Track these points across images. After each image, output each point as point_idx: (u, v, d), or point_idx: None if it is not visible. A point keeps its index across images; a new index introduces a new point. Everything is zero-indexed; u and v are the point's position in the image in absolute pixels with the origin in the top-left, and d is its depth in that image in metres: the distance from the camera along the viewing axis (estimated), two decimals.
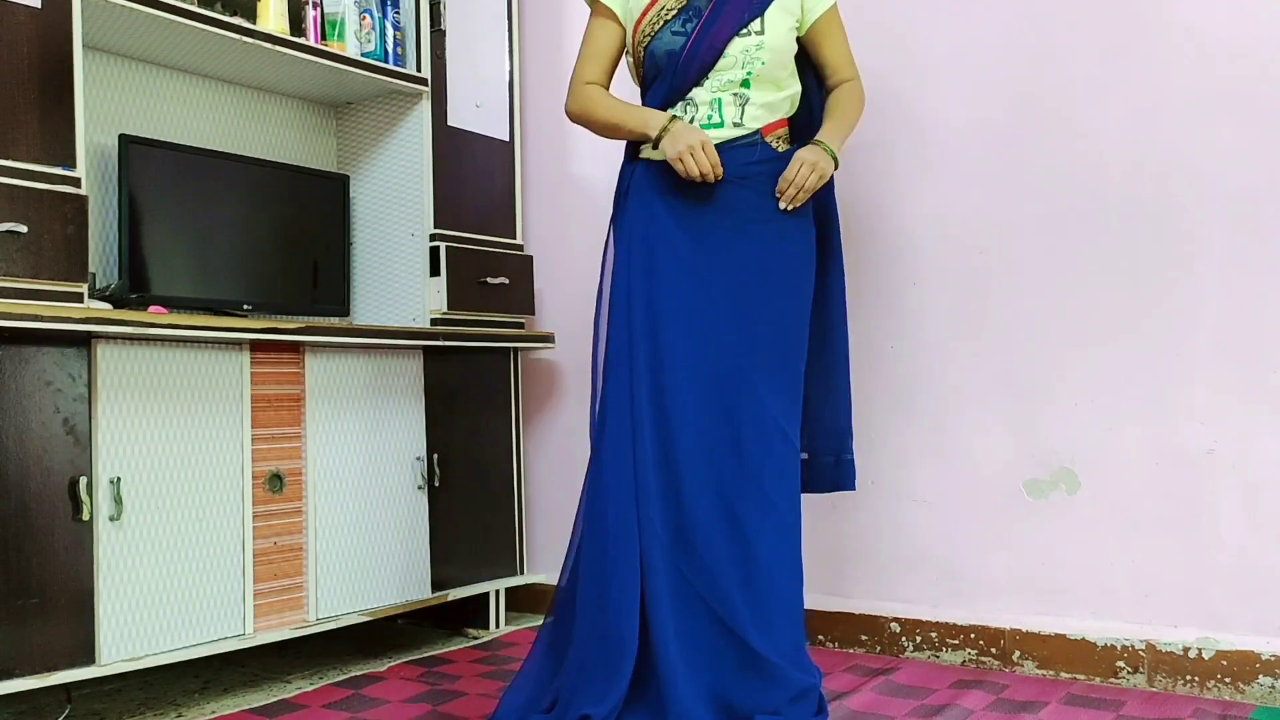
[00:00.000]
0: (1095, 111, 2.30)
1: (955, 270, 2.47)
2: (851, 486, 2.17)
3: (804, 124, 2.11)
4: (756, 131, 2.00)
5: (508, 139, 2.98)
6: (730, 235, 1.98)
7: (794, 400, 2.01)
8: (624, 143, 2.11)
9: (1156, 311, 2.23)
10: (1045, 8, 2.36)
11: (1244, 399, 2.14)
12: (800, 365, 2.03)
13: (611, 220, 2.10)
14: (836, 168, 2.02)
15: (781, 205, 1.99)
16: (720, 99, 1.99)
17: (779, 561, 1.91)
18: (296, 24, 2.59)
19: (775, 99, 2.02)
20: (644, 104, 2.05)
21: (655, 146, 1.97)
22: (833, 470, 2.16)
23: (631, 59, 2.09)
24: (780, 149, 2.03)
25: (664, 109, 2.01)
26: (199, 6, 2.35)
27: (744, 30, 1.97)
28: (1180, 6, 2.21)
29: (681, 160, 1.91)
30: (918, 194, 2.51)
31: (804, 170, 1.96)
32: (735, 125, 1.99)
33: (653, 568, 1.88)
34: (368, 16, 2.68)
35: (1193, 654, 2.15)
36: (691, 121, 1.99)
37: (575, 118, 2.11)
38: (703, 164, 1.91)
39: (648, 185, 2.03)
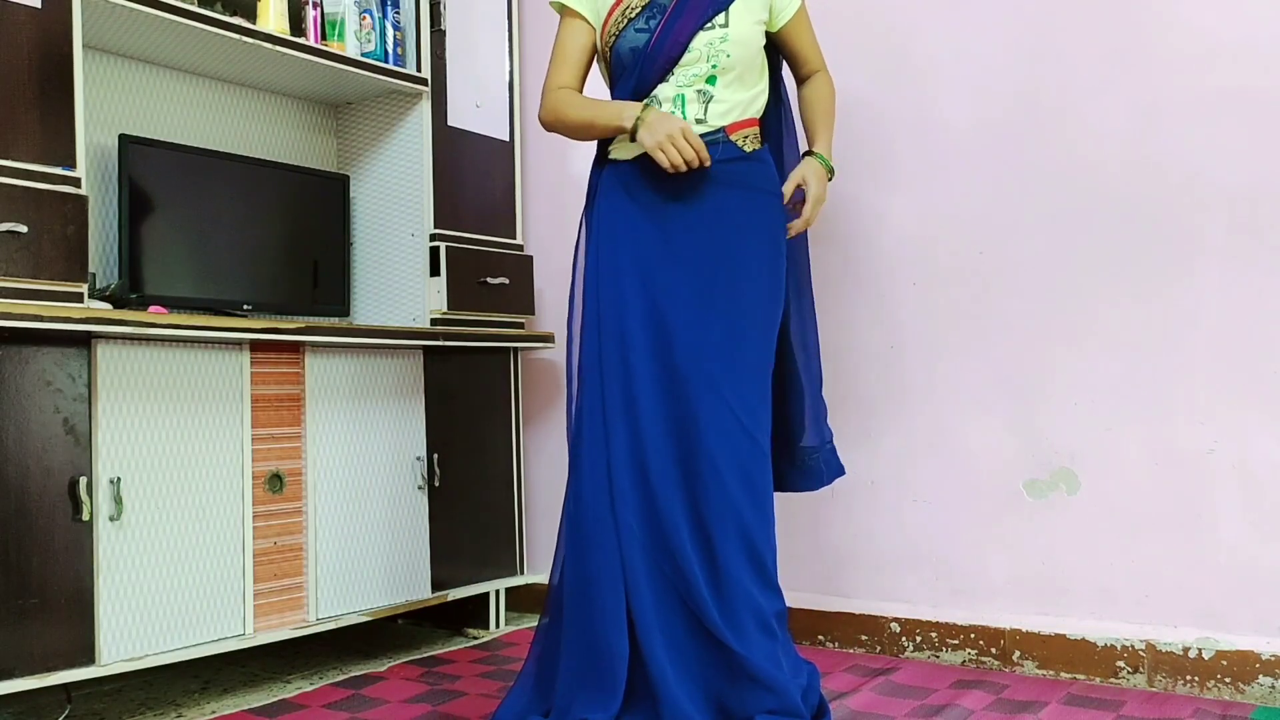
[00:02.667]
0: (1095, 111, 2.30)
1: (955, 270, 2.46)
2: (840, 471, 2.17)
3: (771, 115, 2.10)
4: (720, 130, 1.97)
5: (508, 139, 2.98)
6: (694, 234, 1.96)
7: (760, 397, 1.96)
8: (597, 145, 2.08)
9: (1156, 311, 2.23)
10: (1045, 8, 2.36)
11: (1244, 399, 2.14)
12: (767, 362, 1.99)
13: (581, 223, 2.08)
14: (831, 178, 2.05)
15: (792, 233, 2.03)
16: (683, 95, 1.96)
17: (740, 566, 1.87)
18: (296, 24, 2.59)
19: (742, 97, 1.99)
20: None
21: (633, 139, 1.91)
22: (819, 461, 2.15)
23: (601, 61, 2.08)
24: (748, 148, 2.00)
25: None
26: (199, 6, 2.35)
27: (708, 24, 1.95)
28: (1180, 6, 2.21)
29: (662, 150, 1.86)
30: (917, 194, 2.51)
31: (815, 212, 2.02)
32: (698, 122, 1.96)
33: (634, 571, 1.86)
34: (368, 16, 2.68)
35: (1193, 654, 2.15)
36: None
37: (548, 125, 2.06)
38: (685, 152, 1.86)
39: (616, 186, 2.01)
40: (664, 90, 1.97)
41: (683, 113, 1.96)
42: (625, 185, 2.00)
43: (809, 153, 2.09)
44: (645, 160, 1.94)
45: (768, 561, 1.92)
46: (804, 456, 2.13)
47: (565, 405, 2.06)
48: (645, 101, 1.96)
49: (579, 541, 1.92)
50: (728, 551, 1.87)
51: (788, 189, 2.02)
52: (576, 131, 2.04)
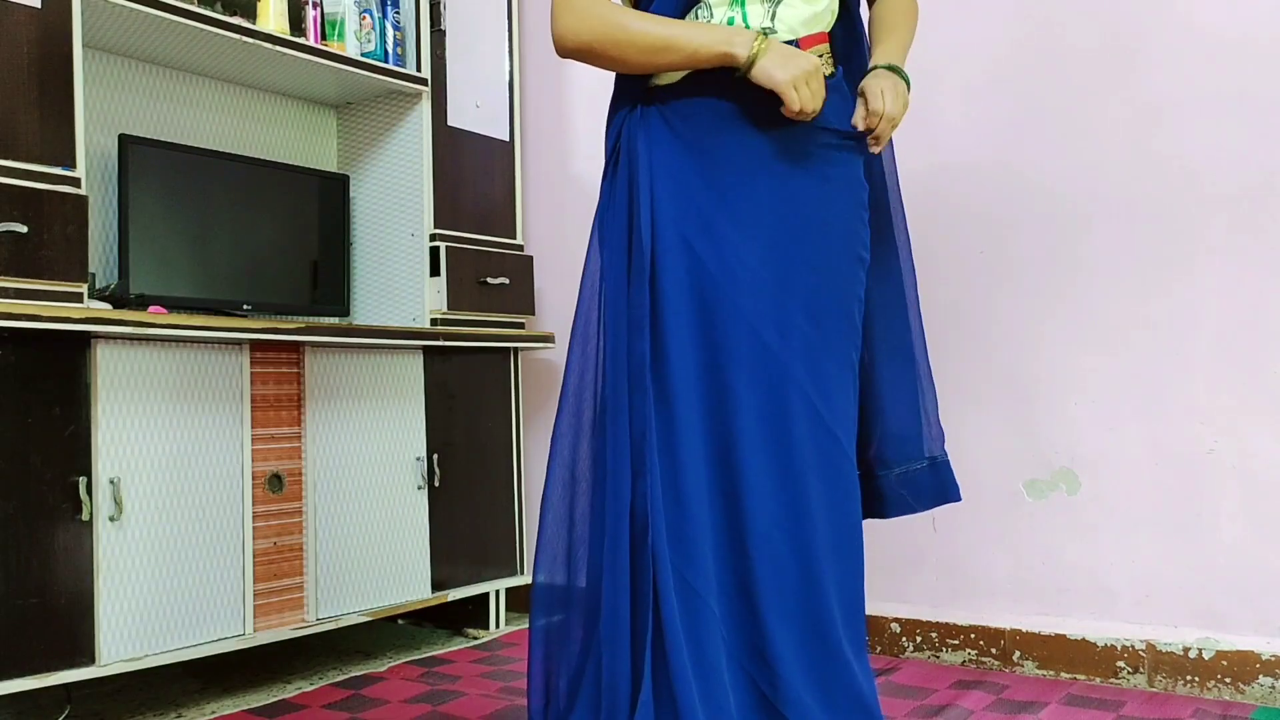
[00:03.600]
0: (1095, 111, 2.30)
1: (955, 270, 2.47)
2: (955, 496, 1.70)
3: (844, 40, 1.66)
4: (793, 44, 1.54)
5: (508, 139, 2.98)
6: (766, 189, 1.52)
7: (848, 397, 1.55)
8: (617, 78, 1.63)
9: (1156, 311, 2.23)
10: (1046, 8, 2.36)
11: (1244, 399, 2.14)
12: (855, 350, 1.58)
13: (605, 179, 1.62)
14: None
15: (873, 148, 1.56)
16: None
17: (837, 633, 1.50)
18: (296, 24, 2.59)
19: (814, 7, 1.56)
20: None
21: (746, 72, 1.47)
22: (929, 475, 1.69)
23: None
24: (826, 72, 1.57)
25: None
26: (199, 6, 2.35)
27: None
28: (1181, 6, 2.21)
29: (796, 89, 1.44)
30: (917, 194, 2.51)
31: (890, 100, 1.51)
32: (765, 33, 1.52)
33: (669, 618, 1.42)
34: (368, 16, 2.68)
35: (1193, 654, 2.15)
36: None
37: (586, 44, 1.53)
38: (818, 98, 1.46)
39: (657, 125, 1.55)
40: None
41: (744, 20, 1.53)
42: (669, 124, 1.54)
43: (874, 67, 1.59)
44: (699, 91, 1.52)
45: (863, 623, 1.55)
46: (908, 470, 1.68)
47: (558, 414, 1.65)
48: (762, 29, 1.52)
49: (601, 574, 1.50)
50: (816, 614, 1.48)
51: (857, 117, 1.55)
52: (639, 54, 1.51)
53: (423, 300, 2.73)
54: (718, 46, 1.47)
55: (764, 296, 1.50)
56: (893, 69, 1.56)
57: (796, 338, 1.50)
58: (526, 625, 2.90)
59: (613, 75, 1.64)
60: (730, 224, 1.50)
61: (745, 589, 1.47)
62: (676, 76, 1.55)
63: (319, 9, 2.61)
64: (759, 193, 1.52)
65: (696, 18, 1.55)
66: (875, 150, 1.57)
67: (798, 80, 1.44)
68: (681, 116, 1.53)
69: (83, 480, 2.02)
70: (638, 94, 1.58)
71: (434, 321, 2.71)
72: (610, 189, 1.60)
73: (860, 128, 1.53)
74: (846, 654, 1.50)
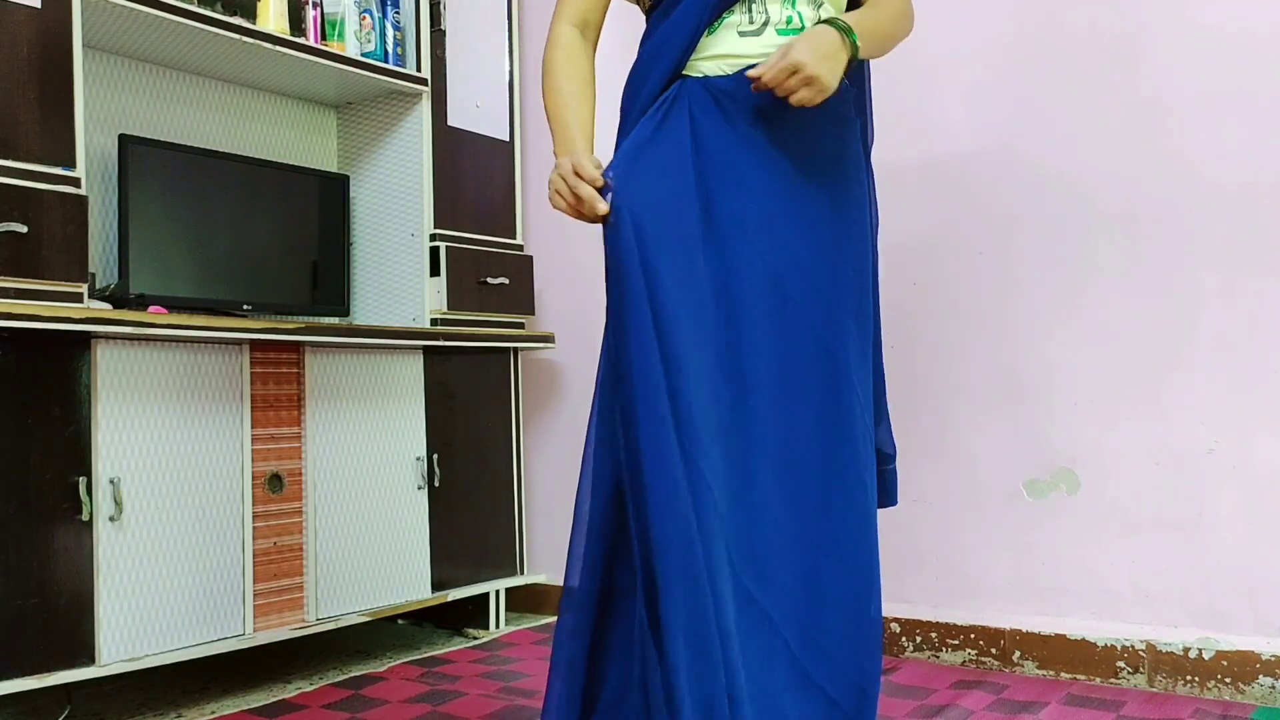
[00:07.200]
0: (1095, 111, 2.30)
1: (955, 270, 2.47)
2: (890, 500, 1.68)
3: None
4: None
5: (508, 139, 2.98)
6: (814, 181, 1.50)
7: (871, 399, 1.58)
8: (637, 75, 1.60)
9: (1156, 311, 2.23)
10: (1045, 8, 2.36)
11: (1244, 399, 2.14)
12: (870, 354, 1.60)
13: (645, 132, 1.52)
14: (852, 61, 1.46)
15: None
16: None
17: (872, 633, 1.52)
18: (296, 24, 2.59)
19: (843, 9, 1.55)
20: (665, 26, 1.52)
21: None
22: (893, 475, 1.69)
23: None
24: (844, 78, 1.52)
25: (705, 23, 1.49)
26: (199, 6, 2.35)
27: None
28: (1182, 5, 2.21)
29: (554, 196, 1.46)
30: (917, 194, 2.51)
31: (779, 73, 1.37)
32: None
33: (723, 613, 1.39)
34: (368, 16, 2.68)
35: (1193, 654, 2.15)
36: (765, 25, 1.49)
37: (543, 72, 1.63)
38: (577, 206, 1.42)
39: (705, 101, 1.48)
40: None
41: (799, 17, 1.49)
42: (719, 104, 1.48)
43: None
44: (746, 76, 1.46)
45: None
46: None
47: (575, 403, 1.60)
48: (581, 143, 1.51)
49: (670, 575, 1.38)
50: (861, 612, 1.50)
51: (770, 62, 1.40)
52: (546, 110, 1.59)
53: (423, 300, 2.73)
54: (556, 144, 1.52)
55: (822, 299, 1.49)
56: (838, 25, 1.43)
57: (852, 341, 1.51)
58: (526, 625, 2.91)
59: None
60: (790, 224, 1.48)
61: (813, 585, 1.47)
62: (720, 49, 1.49)
63: (319, 9, 2.61)
64: (813, 191, 1.49)
65: (750, 14, 1.49)
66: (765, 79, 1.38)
67: (555, 201, 1.45)
68: (730, 96, 1.48)
69: (83, 480, 2.02)
70: (677, 65, 1.50)
71: (434, 321, 2.71)
72: (653, 150, 1.46)
73: (763, 78, 1.38)
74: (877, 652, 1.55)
